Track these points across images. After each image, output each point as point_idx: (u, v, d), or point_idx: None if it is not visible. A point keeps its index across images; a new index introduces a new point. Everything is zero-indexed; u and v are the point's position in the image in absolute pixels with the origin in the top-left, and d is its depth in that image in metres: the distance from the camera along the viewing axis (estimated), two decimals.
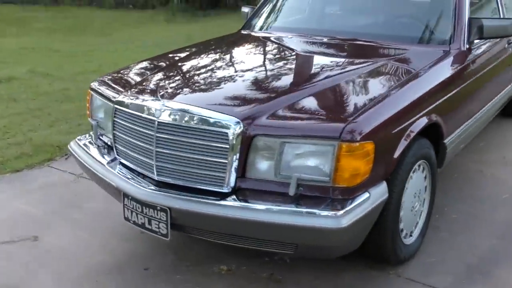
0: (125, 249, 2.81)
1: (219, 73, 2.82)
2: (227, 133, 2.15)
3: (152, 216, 2.31)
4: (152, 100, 2.40)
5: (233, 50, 3.37)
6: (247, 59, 3.17)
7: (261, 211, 2.11)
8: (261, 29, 3.70)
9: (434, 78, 2.68)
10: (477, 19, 3.06)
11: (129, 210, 2.41)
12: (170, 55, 3.30)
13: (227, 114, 2.19)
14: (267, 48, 3.37)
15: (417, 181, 2.54)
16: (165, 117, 2.27)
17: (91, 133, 2.94)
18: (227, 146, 2.15)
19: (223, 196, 2.22)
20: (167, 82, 2.69)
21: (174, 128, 2.26)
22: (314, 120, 2.21)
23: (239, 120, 2.16)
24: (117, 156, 2.60)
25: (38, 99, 5.52)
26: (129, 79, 2.87)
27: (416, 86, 2.53)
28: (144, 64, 3.14)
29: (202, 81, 2.70)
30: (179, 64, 3.06)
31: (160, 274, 2.59)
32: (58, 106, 5.27)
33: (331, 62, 2.97)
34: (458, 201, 3.20)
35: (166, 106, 2.30)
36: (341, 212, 2.04)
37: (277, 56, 3.23)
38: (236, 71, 2.89)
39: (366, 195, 2.14)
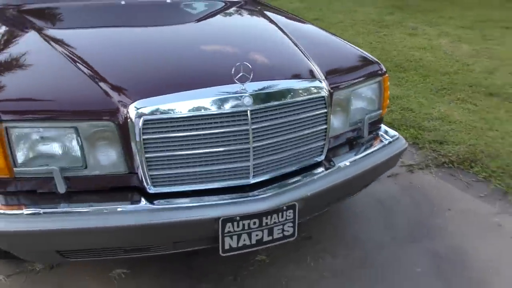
0: None
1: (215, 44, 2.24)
2: (324, 97, 2.01)
3: (275, 222, 1.90)
4: (227, 87, 1.80)
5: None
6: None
7: (370, 157, 2.19)
8: None
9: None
10: None
11: (234, 236, 1.84)
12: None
13: (316, 79, 2.02)
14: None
15: None
16: (257, 103, 1.83)
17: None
18: (326, 111, 2.03)
19: (317, 166, 2.10)
20: (177, 64, 1.98)
21: (269, 112, 1.87)
22: (356, 63, 2.32)
23: (324, 82, 2.05)
24: (150, 188, 1.80)
25: None
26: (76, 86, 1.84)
27: None
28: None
29: (221, 53, 2.12)
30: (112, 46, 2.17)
31: None
32: None
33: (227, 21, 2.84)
34: None
35: (251, 91, 1.82)
36: (398, 134, 2.41)
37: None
38: (200, 40, 2.31)
39: None
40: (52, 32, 2.24)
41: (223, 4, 2.97)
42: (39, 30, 2.25)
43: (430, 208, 2.84)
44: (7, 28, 2.40)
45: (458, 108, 4.31)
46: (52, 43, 2.09)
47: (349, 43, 2.53)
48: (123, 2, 2.73)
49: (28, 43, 2.16)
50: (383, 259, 2.40)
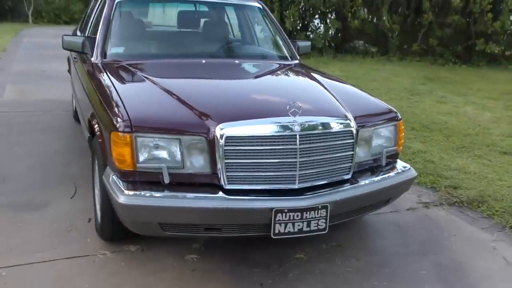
0: None
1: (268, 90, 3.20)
2: (352, 131, 2.79)
3: (312, 217, 2.61)
4: (283, 118, 2.61)
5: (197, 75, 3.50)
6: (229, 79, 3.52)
7: (386, 180, 2.92)
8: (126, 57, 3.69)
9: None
10: (294, 42, 4.44)
11: (283, 224, 2.57)
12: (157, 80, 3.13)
13: (347, 119, 2.80)
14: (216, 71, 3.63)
15: None
16: (303, 130, 2.62)
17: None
18: (353, 141, 2.79)
19: (346, 182, 2.83)
20: (247, 101, 2.90)
21: (312, 137, 2.65)
22: (378, 111, 3.11)
23: (353, 121, 2.82)
24: (226, 185, 2.57)
25: None
26: (182, 109, 2.70)
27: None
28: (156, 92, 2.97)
29: (278, 96, 3.02)
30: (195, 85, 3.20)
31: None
32: None
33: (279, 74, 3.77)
34: None
35: (300, 122, 2.61)
36: (409, 166, 3.13)
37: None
38: (256, 86, 3.32)
39: None
40: (158, 79, 3.14)
41: (280, 65, 3.90)
42: (148, 78, 3.16)
43: (439, 233, 3.48)
44: (122, 76, 3.32)
45: (474, 162, 4.96)
46: (160, 85, 2.98)
47: (375, 97, 3.32)
48: (203, 61, 3.66)
49: (143, 85, 3.07)
50: (396, 264, 3.04)
